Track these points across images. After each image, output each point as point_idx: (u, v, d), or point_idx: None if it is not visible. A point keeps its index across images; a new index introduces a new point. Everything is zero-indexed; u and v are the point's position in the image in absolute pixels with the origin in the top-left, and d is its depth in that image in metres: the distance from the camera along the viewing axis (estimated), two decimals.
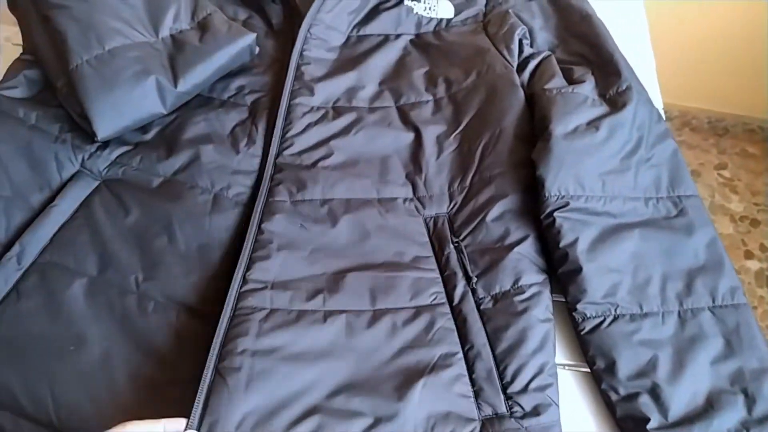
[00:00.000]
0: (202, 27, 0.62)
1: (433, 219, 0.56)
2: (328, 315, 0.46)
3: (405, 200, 0.57)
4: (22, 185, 0.54)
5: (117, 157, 0.57)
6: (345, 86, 0.64)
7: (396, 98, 0.64)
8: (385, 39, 0.69)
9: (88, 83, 0.55)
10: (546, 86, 0.60)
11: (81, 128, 0.57)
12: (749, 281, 1.45)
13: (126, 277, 0.50)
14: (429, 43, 0.69)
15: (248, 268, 0.48)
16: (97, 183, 0.56)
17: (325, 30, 0.67)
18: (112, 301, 0.49)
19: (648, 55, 0.79)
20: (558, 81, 0.61)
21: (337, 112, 0.62)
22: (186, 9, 0.63)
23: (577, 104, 0.58)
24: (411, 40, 0.70)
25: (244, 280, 0.47)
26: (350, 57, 0.67)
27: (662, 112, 0.66)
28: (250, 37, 0.62)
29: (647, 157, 0.58)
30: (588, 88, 0.60)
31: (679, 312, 0.50)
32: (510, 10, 0.68)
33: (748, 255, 1.49)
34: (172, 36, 0.62)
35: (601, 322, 0.49)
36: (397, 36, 0.70)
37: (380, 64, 0.66)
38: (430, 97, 0.64)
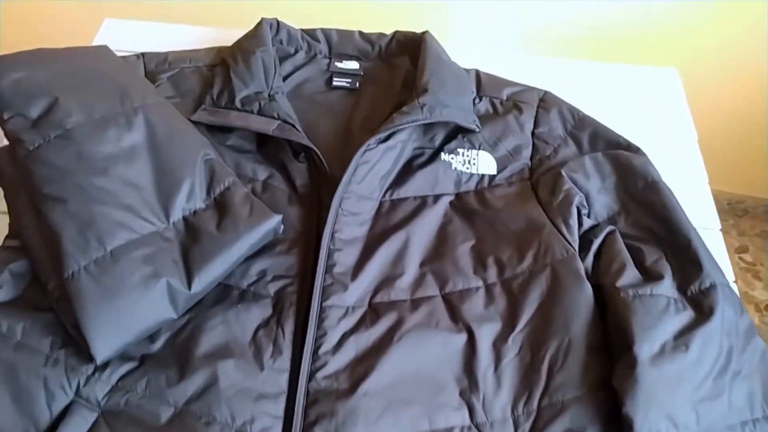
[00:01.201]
0: (220, 207, 0.54)
1: None
2: None
3: (462, 429, 0.48)
4: (3, 429, 0.44)
5: (119, 379, 0.48)
6: (382, 274, 0.56)
7: (441, 284, 0.56)
8: (422, 203, 0.61)
9: (86, 296, 0.47)
10: (619, 284, 0.52)
11: (76, 341, 0.48)
12: None
13: None
14: (472, 208, 0.61)
15: None
16: (94, 417, 0.46)
17: (356, 202, 0.59)
18: None
19: (692, 139, 0.75)
20: (630, 274, 0.53)
21: (376, 312, 0.53)
22: (201, 183, 0.55)
23: (659, 312, 0.50)
24: (451, 202, 0.62)
25: None
26: (385, 230, 0.59)
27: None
28: (275, 220, 0.54)
29: (738, 369, 0.50)
30: (667, 285, 0.52)
31: None
32: (563, 172, 0.60)
33: None
34: (185, 219, 0.53)
35: None
36: (436, 198, 0.62)
37: (419, 238, 0.58)
38: (480, 283, 0.56)
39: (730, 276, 0.62)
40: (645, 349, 0.47)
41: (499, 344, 0.52)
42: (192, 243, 0.52)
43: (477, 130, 0.65)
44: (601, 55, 0.94)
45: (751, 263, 1.58)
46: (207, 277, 0.51)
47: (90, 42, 0.79)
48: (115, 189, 0.51)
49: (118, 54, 0.69)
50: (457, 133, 0.66)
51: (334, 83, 0.72)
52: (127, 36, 0.82)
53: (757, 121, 1.32)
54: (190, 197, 0.54)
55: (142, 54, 0.70)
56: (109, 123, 0.53)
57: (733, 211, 1.65)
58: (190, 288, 0.50)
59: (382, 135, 0.60)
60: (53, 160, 0.50)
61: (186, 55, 0.71)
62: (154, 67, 0.69)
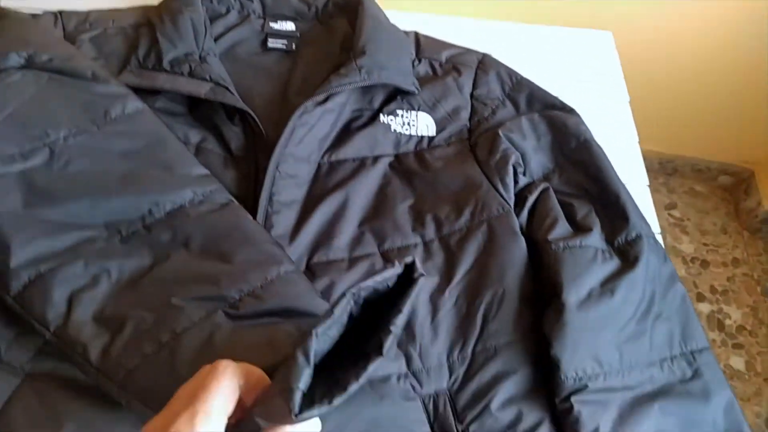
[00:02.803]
0: None
1: (432, 399, 0.49)
2: None
3: (399, 377, 0.49)
4: None
5: (45, 342, 0.46)
6: (320, 234, 0.55)
7: (379, 241, 0.56)
8: (362, 164, 0.61)
9: None
10: (550, 236, 0.54)
11: None
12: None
13: None
14: (411, 169, 0.61)
15: None
16: (18, 381, 0.44)
17: (294, 164, 0.58)
18: None
19: (624, 100, 0.79)
20: (562, 228, 0.55)
21: (313, 273, 0.53)
22: None
23: (587, 262, 0.52)
24: (390, 164, 0.62)
25: None
26: (323, 192, 0.58)
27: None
28: None
29: (659, 312, 0.53)
30: (595, 237, 0.54)
31: None
32: (500, 132, 0.62)
33: (700, 298, 1.51)
34: None
35: None
36: (375, 159, 0.62)
37: (358, 198, 0.58)
38: (419, 240, 0.57)
39: (656, 229, 0.66)
40: (572, 295, 0.50)
41: (435, 297, 0.53)
42: None
43: (416, 92, 0.65)
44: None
45: (679, 219, 1.67)
46: None
47: None
48: None
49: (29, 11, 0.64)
50: (396, 95, 0.66)
51: (270, 45, 0.70)
52: None
53: (687, 86, 1.38)
54: None
55: (60, 13, 0.66)
56: None
57: (664, 169, 1.73)
58: None
59: (320, 98, 0.59)
60: None
61: (109, 15, 0.67)
62: (73, 27, 0.65)
